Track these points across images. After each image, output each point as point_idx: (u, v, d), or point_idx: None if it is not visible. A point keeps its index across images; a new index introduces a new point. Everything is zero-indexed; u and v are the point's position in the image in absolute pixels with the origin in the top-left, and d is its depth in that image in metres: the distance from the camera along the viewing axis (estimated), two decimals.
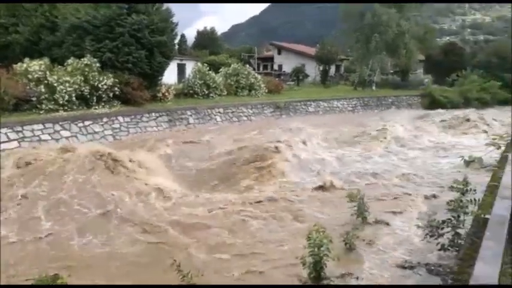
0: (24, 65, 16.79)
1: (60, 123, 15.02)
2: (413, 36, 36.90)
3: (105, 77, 17.83)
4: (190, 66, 29.29)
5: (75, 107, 16.89)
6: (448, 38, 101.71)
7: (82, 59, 17.87)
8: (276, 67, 50.12)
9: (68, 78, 16.66)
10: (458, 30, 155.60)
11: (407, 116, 26.50)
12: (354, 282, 5.58)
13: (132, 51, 18.97)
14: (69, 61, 17.81)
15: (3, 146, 12.69)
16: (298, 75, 41.75)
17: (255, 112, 24.03)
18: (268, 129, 18.96)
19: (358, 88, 37.07)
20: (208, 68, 25.17)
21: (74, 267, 5.88)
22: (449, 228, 5.69)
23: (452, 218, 5.68)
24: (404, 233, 7.12)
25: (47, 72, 16.65)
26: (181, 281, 4.83)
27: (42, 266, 5.69)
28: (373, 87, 37.67)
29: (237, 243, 6.81)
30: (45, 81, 16.38)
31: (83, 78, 17.27)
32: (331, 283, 5.38)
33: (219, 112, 22.04)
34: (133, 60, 19.02)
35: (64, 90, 16.37)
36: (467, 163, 5.07)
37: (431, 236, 5.90)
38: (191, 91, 24.03)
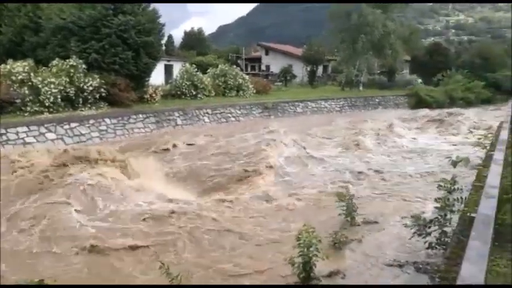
0: (8, 67, 16.50)
1: (46, 125, 14.78)
2: (399, 36, 37.37)
3: (90, 78, 17.61)
4: (177, 67, 29.13)
5: (60, 109, 16.64)
6: (432, 38, 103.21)
7: (67, 60, 17.61)
8: (263, 68, 50.20)
9: (52, 80, 16.40)
10: (443, 30, 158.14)
11: (395, 115, 26.81)
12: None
13: (118, 52, 18.79)
14: (54, 62, 17.54)
15: None
16: (286, 75, 41.88)
17: (243, 113, 24.02)
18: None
19: (345, 88, 37.36)
20: (196, 69, 25.07)
21: None
22: (436, 227, 5.77)
23: (440, 217, 5.76)
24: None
25: (31, 74, 16.38)
26: (171, 283, 4.80)
27: None
28: (360, 88, 38.01)
29: None
30: (30, 83, 16.11)
31: (68, 80, 17.03)
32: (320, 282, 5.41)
33: (207, 113, 21.96)
34: (119, 61, 18.83)
35: (49, 92, 16.11)
36: (455, 163, 5.17)
37: (419, 235, 5.97)
38: (179, 92, 23.90)
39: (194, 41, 51.57)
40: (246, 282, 5.60)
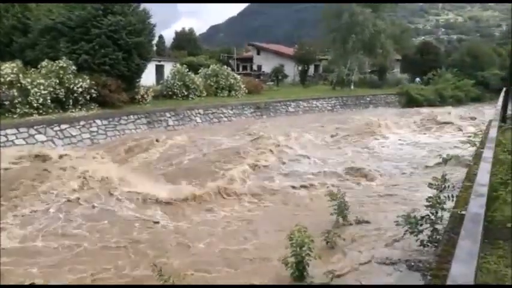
0: None
1: (35, 127, 14.59)
2: (390, 35, 37.58)
3: (81, 80, 17.42)
4: (168, 68, 28.98)
5: (50, 111, 16.45)
6: (423, 37, 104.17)
7: (57, 61, 17.41)
8: (255, 67, 50.16)
9: (42, 81, 16.19)
10: (433, 29, 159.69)
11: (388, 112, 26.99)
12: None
13: (109, 52, 18.63)
14: (43, 63, 17.31)
15: None
16: (278, 75, 41.91)
17: (236, 113, 23.98)
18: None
19: (336, 88, 37.48)
20: (187, 69, 24.98)
21: None
22: (428, 225, 5.82)
23: (431, 214, 5.81)
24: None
25: (20, 75, 16.14)
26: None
27: None
28: (352, 87, 38.16)
29: None
30: (18, 84, 15.89)
31: (57, 81, 16.83)
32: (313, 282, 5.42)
33: (199, 113, 21.88)
34: (110, 62, 18.67)
35: (38, 93, 15.91)
36: (445, 161, 5.21)
37: (411, 233, 6.01)
38: (170, 92, 23.79)
39: (185, 41, 51.42)
40: None
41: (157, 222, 7.92)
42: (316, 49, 42.48)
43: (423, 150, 15.40)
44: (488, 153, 4.67)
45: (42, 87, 16.06)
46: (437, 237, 5.62)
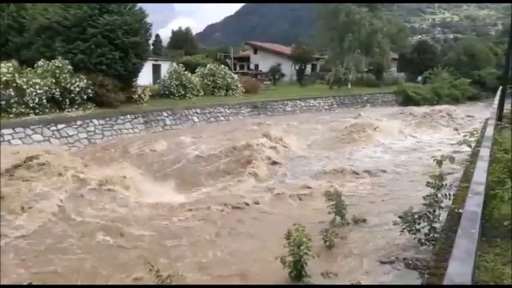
0: None
1: (32, 127, 14.54)
2: (386, 35, 37.61)
3: (77, 79, 17.37)
4: (165, 67, 28.91)
5: (47, 110, 16.39)
6: (419, 36, 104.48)
7: (53, 61, 17.34)
8: (252, 67, 50.06)
9: (38, 81, 16.13)
10: (429, 29, 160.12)
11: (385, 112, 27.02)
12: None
13: (105, 52, 18.57)
14: (39, 63, 17.24)
15: None
16: (275, 74, 41.84)
17: (233, 112, 23.96)
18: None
19: (333, 87, 37.50)
20: (184, 69, 24.91)
21: None
22: (425, 223, 5.84)
23: (428, 213, 5.84)
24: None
25: (16, 75, 16.06)
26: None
27: None
28: (349, 86, 38.20)
29: None
30: (14, 84, 15.81)
31: (54, 81, 16.77)
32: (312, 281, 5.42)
33: (196, 113, 21.85)
34: (107, 61, 18.61)
35: (34, 93, 15.85)
36: (440, 163, 5.22)
37: (409, 232, 6.03)
38: (167, 92, 23.74)
39: (182, 41, 51.14)
40: None
41: None
42: (313, 48, 42.46)
43: (417, 152, 15.41)
44: (485, 152, 4.68)
45: (38, 87, 16.01)
46: (435, 235, 5.64)
